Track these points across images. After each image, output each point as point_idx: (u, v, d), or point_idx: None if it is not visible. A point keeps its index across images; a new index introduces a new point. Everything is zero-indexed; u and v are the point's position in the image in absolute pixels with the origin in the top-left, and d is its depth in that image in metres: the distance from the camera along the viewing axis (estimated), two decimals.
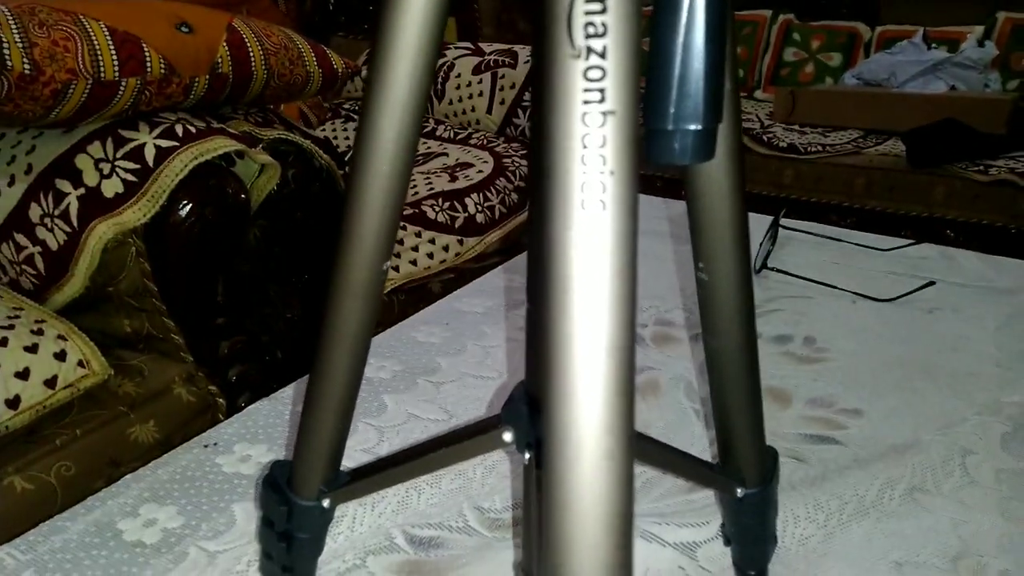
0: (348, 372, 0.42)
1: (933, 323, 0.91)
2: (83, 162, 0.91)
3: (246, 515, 0.59)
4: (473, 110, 1.67)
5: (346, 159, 1.16)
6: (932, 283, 0.97)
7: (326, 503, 0.46)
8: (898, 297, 0.95)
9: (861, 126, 2.21)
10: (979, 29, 2.39)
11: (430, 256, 1.28)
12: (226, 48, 0.96)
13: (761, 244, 1.03)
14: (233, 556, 0.55)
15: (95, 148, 0.92)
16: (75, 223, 0.90)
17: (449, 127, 1.65)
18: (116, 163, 0.90)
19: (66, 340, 0.88)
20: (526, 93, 1.60)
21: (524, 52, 1.63)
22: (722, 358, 0.44)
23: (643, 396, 0.76)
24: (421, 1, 0.33)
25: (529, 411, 0.37)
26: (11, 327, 0.85)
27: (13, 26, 0.81)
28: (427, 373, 0.80)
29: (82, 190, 0.90)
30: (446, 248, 1.31)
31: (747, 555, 0.53)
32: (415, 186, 1.38)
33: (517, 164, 1.48)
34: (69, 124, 0.92)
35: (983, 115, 1.98)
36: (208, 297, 1.00)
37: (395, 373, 0.81)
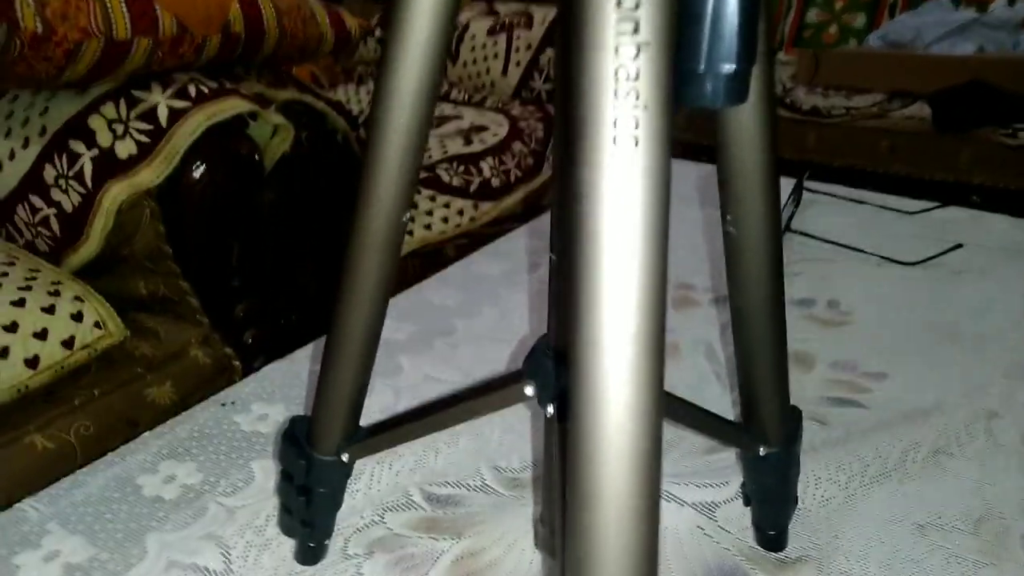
0: (367, 324, 0.41)
1: (960, 286, 0.89)
2: (96, 123, 0.90)
3: (265, 472, 0.59)
4: (488, 72, 1.64)
5: (360, 122, 1.15)
6: (960, 246, 0.95)
7: (345, 457, 0.46)
8: (924, 260, 0.93)
9: (886, 89, 2.15)
10: None
11: (445, 220, 1.27)
12: (238, 7, 0.94)
13: (784, 206, 1.01)
14: (252, 511, 0.55)
15: (108, 109, 0.91)
16: (89, 184, 0.89)
17: (463, 90, 1.63)
18: (129, 124, 0.89)
19: (83, 301, 0.88)
20: (542, 55, 1.57)
21: (540, 12, 1.59)
22: (748, 315, 0.43)
23: None
24: None
25: (553, 364, 0.37)
26: (28, 288, 0.86)
27: None
28: (443, 335, 0.80)
29: (96, 151, 0.90)
30: (461, 212, 1.29)
31: (767, 515, 0.52)
32: (429, 149, 1.36)
33: (533, 127, 1.45)
34: (82, 85, 0.91)
35: (1012, 77, 1.92)
36: (223, 259, 1.00)
37: (411, 335, 0.80)
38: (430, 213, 1.27)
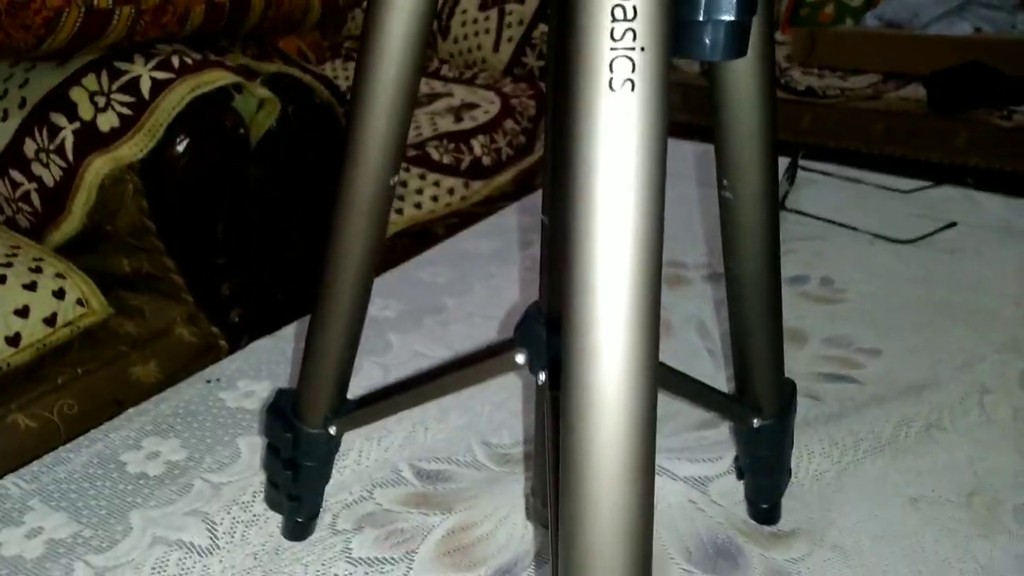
0: (355, 292, 0.40)
1: (953, 264, 0.88)
2: (78, 95, 0.88)
3: (251, 449, 0.58)
4: (479, 48, 1.61)
5: (348, 96, 1.13)
6: (954, 224, 0.95)
7: (332, 430, 0.45)
8: (918, 238, 0.93)
9: (882, 69, 2.14)
10: None
11: (435, 199, 1.26)
12: None
13: (779, 184, 1.00)
14: (239, 487, 0.54)
15: (90, 81, 0.89)
16: (71, 158, 0.87)
17: (454, 66, 1.61)
18: (111, 96, 0.87)
19: (65, 278, 0.86)
20: (534, 30, 1.55)
21: None
22: (743, 282, 0.42)
23: None
24: None
25: (545, 331, 0.36)
26: (9, 265, 0.84)
27: None
28: (433, 312, 0.79)
29: (77, 124, 0.88)
30: (451, 191, 1.28)
31: (760, 488, 0.52)
32: (419, 127, 1.34)
33: (525, 105, 1.43)
34: (63, 55, 0.89)
35: (1010, 57, 1.91)
36: (208, 236, 0.98)
37: (400, 312, 0.79)
38: (419, 191, 1.25)
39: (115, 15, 0.86)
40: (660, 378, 0.43)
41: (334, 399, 0.45)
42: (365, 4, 0.33)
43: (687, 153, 1.14)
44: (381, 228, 0.39)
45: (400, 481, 0.56)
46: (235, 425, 0.61)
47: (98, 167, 0.87)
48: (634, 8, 0.21)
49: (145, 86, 0.87)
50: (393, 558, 0.50)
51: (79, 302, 0.86)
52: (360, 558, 0.50)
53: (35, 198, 0.90)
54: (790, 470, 0.52)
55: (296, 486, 0.47)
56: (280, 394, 0.47)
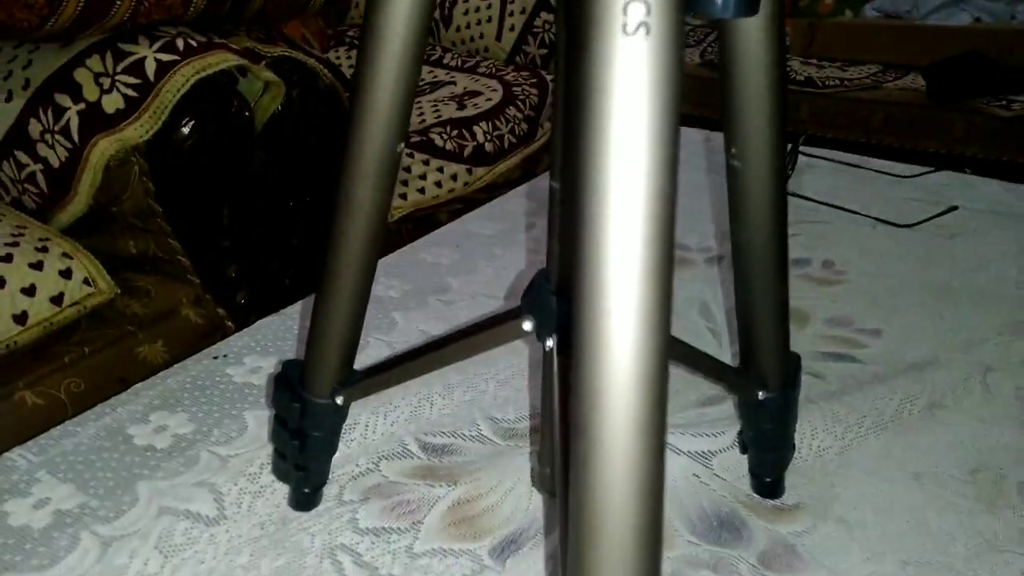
0: (363, 261, 0.41)
1: (954, 248, 0.89)
2: (82, 76, 0.88)
3: (258, 422, 0.59)
4: (481, 37, 1.61)
5: (352, 80, 1.13)
6: (954, 208, 0.95)
7: (339, 400, 0.45)
8: (919, 222, 0.93)
9: (881, 60, 2.14)
10: None
11: (438, 185, 1.26)
12: None
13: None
14: (245, 459, 0.55)
15: (94, 62, 0.89)
16: (76, 139, 0.87)
17: (456, 55, 1.60)
18: (116, 77, 0.87)
19: (71, 258, 0.86)
20: (536, 18, 1.55)
21: None
22: (750, 251, 0.42)
23: None
24: None
25: (553, 297, 0.36)
26: (15, 244, 0.84)
27: None
28: (438, 292, 0.79)
29: (82, 105, 0.88)
30: (454, 177, 1.28)
31: (764, 462, 0.52)
32: (422, 113, 1.34)
33: (527, 93, 1.43)
34: (66, 36, 0.89)
35: (1009, 47, 1.91)
36: (213, 219, 0.98)
37: (405, 292, 0.79)
38: (423, 177, 1.25)
39: None
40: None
41: (341, 369, 0.45)
42: None
43: (694, 139, 1.15)
44: (387, 195, 0.39)
45: (406, 454, 0.56)
46: (242, 400, 0.61)
47: (103, 148, 0.87)
48: None
49: (150, 68, 0.87)
50: (400, 528, 0.50)
51: (86, 282, 0.87)
52: (367, 528, 0.50)
53: (41, 179, 0.91)
54: (794, 444, 0.53)
55: (303, 456, 0.48)
56: (287, 365, 0.48)
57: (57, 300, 0.85)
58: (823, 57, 2.19)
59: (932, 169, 1.09)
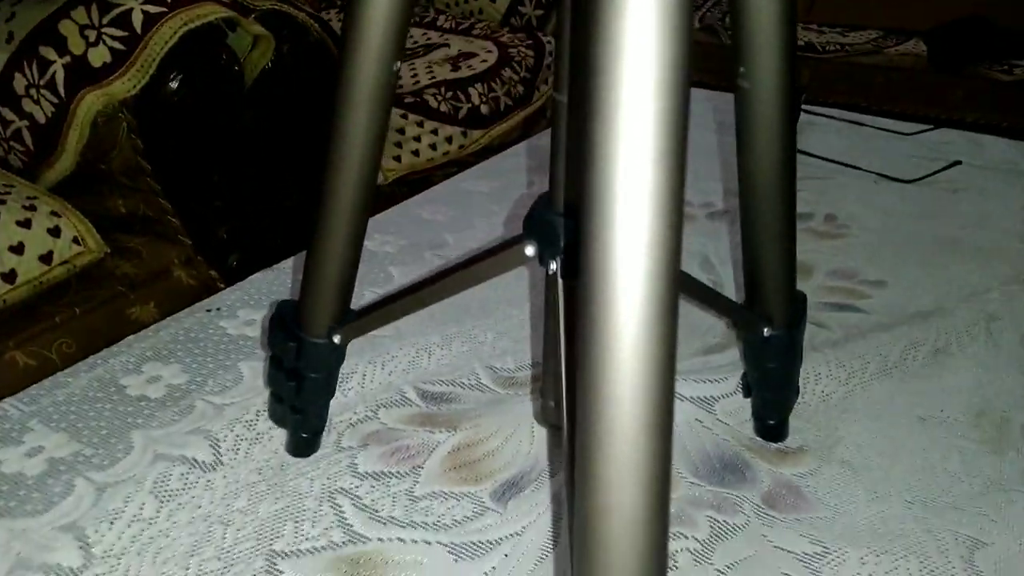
0: (359, 190, 0.39)
1: (958, 202, 0.88)
2: (67, 28, 0.86)
3: (254, 373, 0.58)
4: None
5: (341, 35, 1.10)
6: (958, 163, 0.94)
7: (336, 339, 0.44)
8: (922, 177, 0.92)
9: (882, 25, 2.11)
10: None
11: (432, 147, 1.24)
12: None
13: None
14: (241, 407, 0.54)
15: (79, 14, 0.86)
16: (62, 93, 0.85)
17: (450, 17, 1.58)
18: (102, 30, 0.85)
19: (60, 217, 0.85)
20: None
21: None
22: (757, 181, 0.41)
23: None
24: None
25: (556, 219, 0.35)
26: (2, 202, 0.82)
27: None
28: (434, 248, 0.78)
29: (68, 58, 0.85)
30: (449, 140, 1.26)
31: (768, 403, 0.51)
32: (416, 75, 1.32)
33: (524, 55, 1.41)
34: None
35: (1011, 12, 1.88)
36: (204, 178, 0.96)
37: (400, 247, 0.78)
38: (417, 139, 1.23)
39: None
40: None
41: (338, 308, 0.44)
42: None
43: (698, 98, 1.13)
44: (384, 118, 0.38)
45: (405, 402, 0.55)
46: (237, 351, 0.60)
47: (90, 103, 0.85)
48: None
49: (137, 20, 0.85)
50: (399, 472, 0.49)
51: (75, 240, 0.85)
52: (366, 472, 0.49)
53: (27, 136, 0.88)
54: (798, 388, 0.52)
55: (300, 399, 0.47)
56: (282, 305, 0.47)
57: (46, 259, 0.83)
58: (823, 23, 2.17)
59: (934, 127, 1.08)
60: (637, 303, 0.25)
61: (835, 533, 0.46)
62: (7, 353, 0.79)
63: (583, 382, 0.26)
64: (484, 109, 1.32)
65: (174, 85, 0.89)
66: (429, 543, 0.44)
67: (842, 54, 1.99)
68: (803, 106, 1.05)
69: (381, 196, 1.04)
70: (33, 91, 0.87)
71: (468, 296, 0.69)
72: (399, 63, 0.36)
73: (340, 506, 0.47)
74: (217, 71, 0.91)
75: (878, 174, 0.93)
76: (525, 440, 0.52)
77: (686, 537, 0.45)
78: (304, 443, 0.50)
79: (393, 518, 0.46)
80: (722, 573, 0.43)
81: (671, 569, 0.43)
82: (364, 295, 0.69)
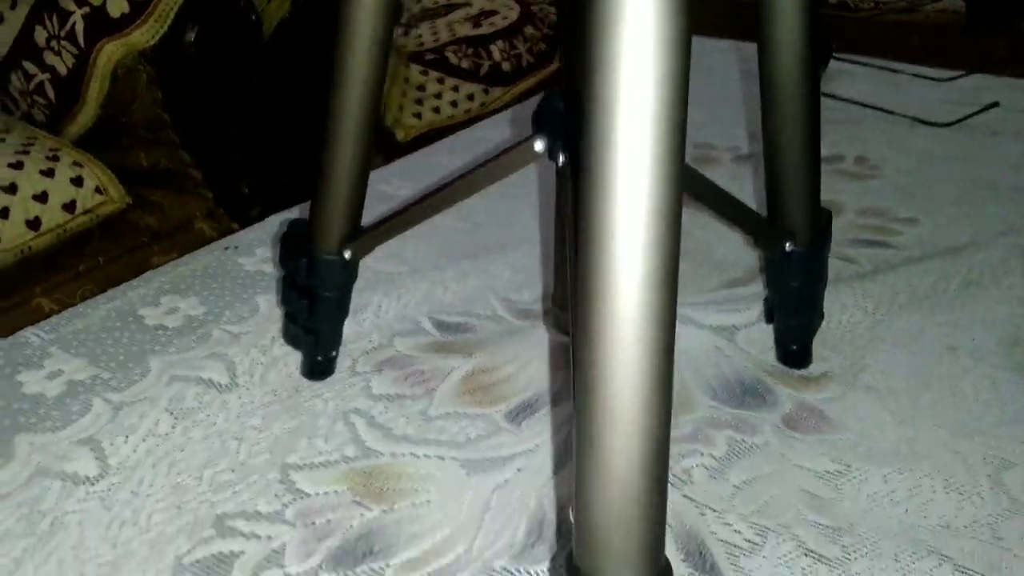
0: (365, 100, 0.39)
1: (995, 145, 0.84)
2: None
3: (270, 305, 0.58)
4: None
5: None
6: (996, 105, 0.90)
7: (347, 254, 0.44)
8: (959, 120, 0.88)
9: None
10: None
11: (453, 105, 1.23)
12: None
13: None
14: (257, 335, 0.54)
15: None
16: (82, 43, 0.86)
17: None
18: None
19: (82, 167, 0.86)
20: None
21: None
22: (778, 81, 0.39)
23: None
24: None
25: (566, 110, 0.34)
26: (26, 152, 0.83)
27: None
28: None
29: (87, 8, 0.86)
30: (471, 97, 1.24)
31: (790, 327, 0.50)
32: (436, 32, 1.31)
33: (546, 12, 1.39)
34: None
35: None
36: (223, 131, 0.96)
37: (415, 190, 0.77)
38: (438, 96, 1.22)
39: None
40: (691, 186, 0.41)
41: (347, 223, 0.44)
42: None
43: (723, 48, 1.10)
44: (388, 27, 0.37)
45: (420, 331, 0.55)
46: (253, 285, 0.60)
47: (110, 53, 0.85)
48: None
49: None
50: (414, 395, 0.49)
51: (97, 190, 0.86)
52: (380, 394, 0.49)
53: (49, 89, 0.89)
54: (823, 312, 0.50)
55: (313, 319, 0.46)
56: (293, 223, 0.46)
57: (69, 207, 0.84)
58: None
59: (968, 72, 1.04)
60: (641, 190, 0.24)
61: (858, 454, 0.44)
62: (33, 299, 0.81)
63: (584, 273, 0.25)
64: (506, 66, 1.30)
65: (192, 36, 0.89)
66: (442, 458, 0.44)
67: (876, 12, 1.93)
68: (835, 55, 1.01)
69: (401, 153, 1.04)
70: (54, 43, 0.88)
71: (484, 233, 0.69)
72: None
73: (354, 424, 0.46)
74: (235, 22, 0.91)
75: (912, 118, 0.90)
76: (541, 367, 0.51)
77: (702, 454, 0.44)
78: (319, 366, 0.50)
79: (407, 436, 0.46)
80: (738, 488, 0.42)
81: (686, 483, 0.42)
82: None
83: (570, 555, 0.27)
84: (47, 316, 0.81)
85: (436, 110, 1.21)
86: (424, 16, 1.41)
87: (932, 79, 1.02)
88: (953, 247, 0.64)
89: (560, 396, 0.49)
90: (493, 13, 1.38)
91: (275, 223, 0.71)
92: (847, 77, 1.02)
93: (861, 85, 1.00)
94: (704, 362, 0.52)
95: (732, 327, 0.54)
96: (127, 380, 0.50)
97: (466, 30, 1.31)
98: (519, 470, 0.43)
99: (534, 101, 1.10)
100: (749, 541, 0.39)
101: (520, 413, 0.47)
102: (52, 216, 0.82)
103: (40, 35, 0.88)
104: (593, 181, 0.24)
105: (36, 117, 0.93)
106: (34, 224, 0.81)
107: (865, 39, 1.99)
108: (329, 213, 0.43)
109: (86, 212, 0.85)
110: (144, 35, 0.86)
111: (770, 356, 0.52)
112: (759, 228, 0.45)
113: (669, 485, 0.42)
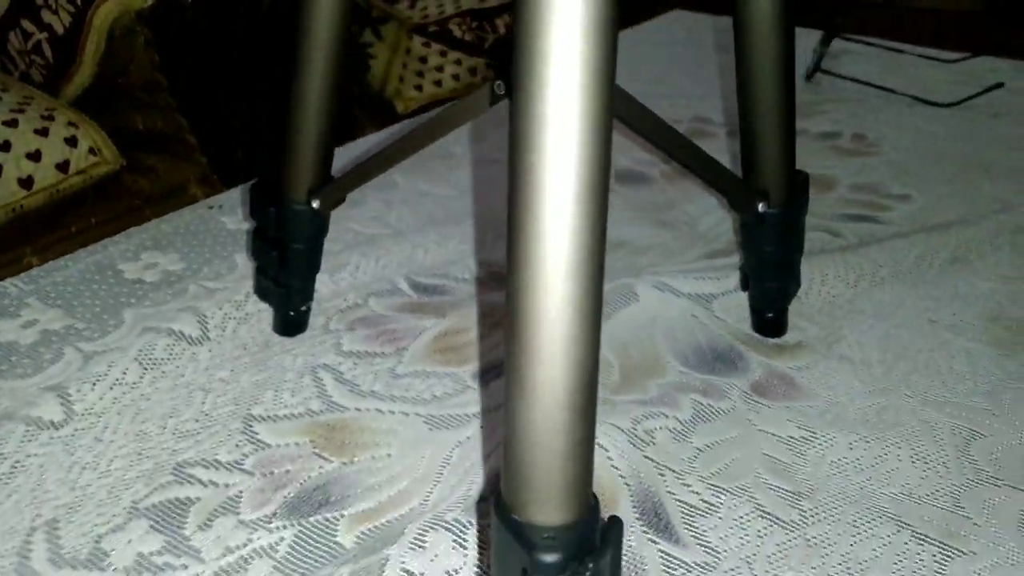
0: (330, 46, 0.38)
1: (996, 126, 0.83)
2: None
3: (247, 263, 0.58)
4: None
5: None
6: (1000, 85, 0.88)
7: (316, 204, 0.43)
8: (961, 101, 0.87)
9: None
10: None
11: (455, 78, 1.22)
12: None
13: (814, 50, 0.94)
14: (232, 291, 0.54)
15: None
16: (79, 2, 0.86)
17: None
18: None
19: (77, 127, 0.86)
20: None
21: None
22: (752, 34, 0.38)
23: (671, 182, 0.72)
24: None
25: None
26: (21, 111, 0.83)
27: None
28: (442, 157, 0.77)
29: None
30: (473, 71, 1.24)
31: (766, 293, 0.49)
32: (441, 4, 1.30)
33: None
34: None
35: None
36: (220, 96, 0.96)
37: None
38: (440, 69, 1.21)
39: None
40: (661, 141, 0.40)
41: (316, 172, 0.43)
42: None
43: (704, 24, 1.08)
44: None
45: (396, 292, 0.55)
46: (234, 243, 0.60)
47: (107, 11, 0.85)
48: None
49: None
50: (384, 352, 0.49)
51: (91, 151, 0.86)
52: (350, 351, 0.49)
53: (46, 48, 0.89)
54: (799, 279, 0.50)
55: (284, 272, 0.46)
56: (263, 174, 0.46)
57: (63, 167, 0.84)
58: None
59: (973, 54, 1.02)
60: (571, 110, 0.24)
61: (825, 421, 0.44)
62: (24, 259, 0.81)
63: (514, 198, 0.25)
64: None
65: None
66: (407, 414, 0.44)
67: None
68: (841, 35, 0.99)
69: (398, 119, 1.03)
70: (52, 1, 0.88)
71: (472, 200, 0.68)
72: None
73: (321, 379, 0.46)
74: None
75: (914, 97, 0.88)
76: None
77: (667, 416, 0.44)
78: (291, 322, 0.50)
79: (373, 391, 0.46)
80: (699, 451, 0.42)
81: (648, 444, 0.42)
82: (367, 199, 0.68)
83: (499, 492, 0.26)
84: None
85: (438, 83, 1.20)
86: None
87: (938, 60, 1.00)
88: (942, 223, 0.63)
89: None
90: None
91: None
92: (852, 56, 1.00)
93: (865, 64, 0.98)
94: (679, 329, 0.51)
95: (709, 295, 0.54)
96: (100, 331, 0.50)
97: (471, 3, 1.30)
98: (482, 428, 0.43)
99: None
100: (706, 502, 0.39)
101: (488, 372, 0.47)
102: (45, 175, 0.83)
103: None
104: (521, 106, 0.24)
105: (34, 77, 0.94)
106: (26, 183, 0.81)
107: (879, 25, 1.96)
108: (297, 161, 0.43)
109: (79, 172, 0.85)
110: None
111: (745, 325, 0.52)
112: (732, 186, 0.44)
113: (629, 445, 0.41)
